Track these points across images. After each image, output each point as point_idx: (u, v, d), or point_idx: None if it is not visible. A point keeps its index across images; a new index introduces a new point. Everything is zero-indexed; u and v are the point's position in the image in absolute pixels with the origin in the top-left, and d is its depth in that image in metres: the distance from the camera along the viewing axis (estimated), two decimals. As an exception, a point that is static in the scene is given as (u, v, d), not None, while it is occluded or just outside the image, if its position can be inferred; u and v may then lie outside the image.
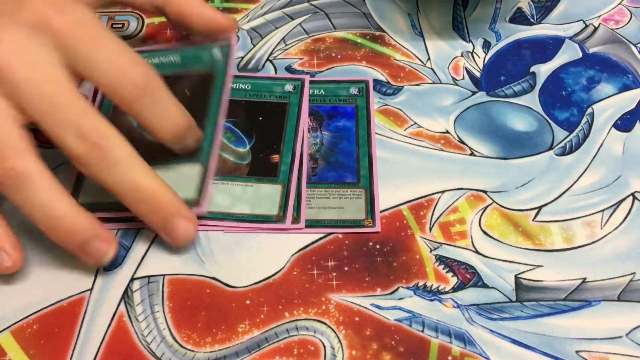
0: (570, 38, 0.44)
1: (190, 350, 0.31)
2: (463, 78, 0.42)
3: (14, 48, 0.30)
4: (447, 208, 0.36)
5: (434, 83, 0.41)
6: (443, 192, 0.36)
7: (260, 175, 0.36)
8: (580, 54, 0.43)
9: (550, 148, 0.38)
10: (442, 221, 0.35)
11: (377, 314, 0.32)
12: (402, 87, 0.41)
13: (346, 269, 0.34)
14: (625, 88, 0.41)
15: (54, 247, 0.32)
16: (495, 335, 0.31)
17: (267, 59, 0.42)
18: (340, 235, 0.35)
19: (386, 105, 0.40)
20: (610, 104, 0.40)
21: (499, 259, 0.34)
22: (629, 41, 0.44)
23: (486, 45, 0.43)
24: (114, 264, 0.34)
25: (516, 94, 0.41)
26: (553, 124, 0.39)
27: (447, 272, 0.33)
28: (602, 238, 0.35)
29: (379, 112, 0.40)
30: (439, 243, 0.34)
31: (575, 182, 0.37)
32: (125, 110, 0.32)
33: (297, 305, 0.32)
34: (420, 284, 0.33)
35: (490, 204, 0.36)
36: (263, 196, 0.35)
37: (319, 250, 0.34)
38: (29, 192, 0.30)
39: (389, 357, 0.31)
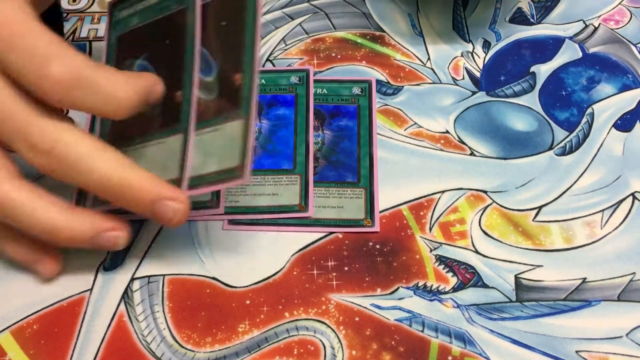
0: (570, 38, 0.44)
1: (190, 350, 0.31)
2: (463, 78, 0.42)
3: None
4: (447, 208, 0.36)
5: (434, 83, 0.41)
6: (443, 192, 0.36)
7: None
8: (580, 54, 0.43)
9: (550, 148, 0.38)
10: (442, 221, 0.35)
11: (377, 314, 0.32)
12: (402, 87, 0.41)
13: (346, 269, 0.34)
14: (625, 88, 0.41)
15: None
16: (495, 335, 0.31)
17: (267, 59, 0.42)
18: (340, 235, 0.35)
19: (386, 105, 0.40)
20: (610, 104, 0.40)
21: (499, 259, 0.34)
22: (629, 41, 0.44)
23: (486, 45, 0.43)
24: (114, 264, 0.34)
25: (516, 94, 0.41)
26: (553, 124, 0.39)
27: (447, 272, 0.33)
28: (602, 238, 0.35)
29: (379, 112, 0.40)
30: (439, 243, 0.34)
31: (575, 182, 0.37)
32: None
33: (297, 305, 0.32)
34: (420, 284, 0.33)
35: (490, 204, 0.36)
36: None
37: (319, 250, 0.34)
38: (18, 217, 0.29)
39: (389, 357, 0.31)
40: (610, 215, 0.36)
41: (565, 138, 0.39)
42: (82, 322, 0.32)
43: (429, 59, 0.43)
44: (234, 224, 0.35)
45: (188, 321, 0.32)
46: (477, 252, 0.34)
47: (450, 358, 0.31)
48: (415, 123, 0.39)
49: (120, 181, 0.29)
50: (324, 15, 0.45)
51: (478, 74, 0.42)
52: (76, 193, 0.34)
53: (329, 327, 0.32)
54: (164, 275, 0.33)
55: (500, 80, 0.42)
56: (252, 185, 0.36)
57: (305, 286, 0.33)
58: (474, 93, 0.41)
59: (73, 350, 0.31)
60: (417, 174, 0.37)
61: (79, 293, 0.33)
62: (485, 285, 0.33)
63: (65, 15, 0.45)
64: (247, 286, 0.33)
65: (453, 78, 0.42)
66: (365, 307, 0.32)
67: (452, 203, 0.36)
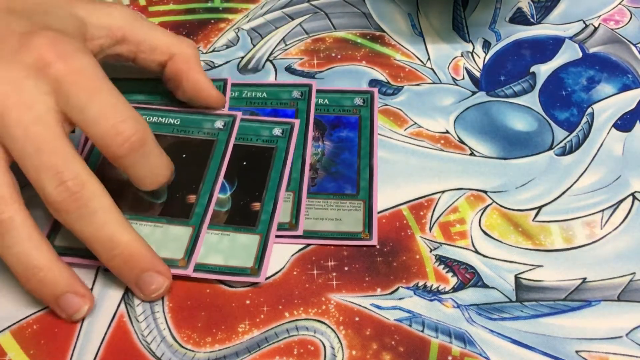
0: (570, 38, 0.44)
1: (190, 350, 0.31)
2: (463, 78, 0.42)
3: (9, 87, 0.30)
4: (447, 208, 0.36)
5: (434, 83, 0.41)
6: (443, 192, 0.36)
7: (238, 224, 0.34)
8: (580, 54, 0.43)
9: (550, 148, 0.38)
10: (442, 221, 0.35)
11: (377, 314, 0.32)
12: (402, 87, 0.41)
13: (346, 269, 0.34)
14: (625, 88, 0.41)
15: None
16: (495, 335, 0.31)
17: (267, 59, 0.42)
18: (340, 235, 0.35)
19: (386, 105, 0.40)
20: (610, 104, 0.40)
21: (499, 259, 0.34)
22: (629, 41, 0.44)
23: (486, 45, 0.43)
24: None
25: (516, 94, 0.41)
26: (553, 124, 0.39)
27: (447, 272, 0.33)
28: (602, 238, 0.35)
29: (379, 112, 0.40)
30: (439, 243, 0.35)
31: (575, 182, 0.37)
32: (113, 164, 0.31)
33: (297, 305, 0.32)
34: (420, 284, 0.33)
35: (490, 204, 0.36)
36: (239, 247, 0.34)
37: (319, 251, 0.34)
38: (9, 240, 0.30)
39: (389, 357, 0.31)
40: (610, 215, 0.36)
41: (565, 138, 0.39)
42: (82, 322, 0.32)
43: (429, 59, 0.43)
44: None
45: (188, 321, 0.32)
46: (477, 252, 0.34)
47: (450, 358, 0.31)
48: (415, 123, 0.39)
49: (125, 243, 0.31)
50: (324, 15, 0.45)
51: (478, 74, 0.42)
52: (50, 227, 0.34)
53: (329, 327, 0.32)
54: (164, 275, 0.33)
55: (500, 80, 0.42)
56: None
57: (305, 286, 0.33)
58: (474, 93, 0.41)
59: (73, 350, 0.31)
60: (417, 174, 0.37)
61: (79, 293, 0.33)
62: (485, 285, 0.33)
63: None
64: (247, 286, 0.33)
65: (453, 78, 0.42)
66: (365, 307, 0.32)
67: (452, 203, 0.36)
